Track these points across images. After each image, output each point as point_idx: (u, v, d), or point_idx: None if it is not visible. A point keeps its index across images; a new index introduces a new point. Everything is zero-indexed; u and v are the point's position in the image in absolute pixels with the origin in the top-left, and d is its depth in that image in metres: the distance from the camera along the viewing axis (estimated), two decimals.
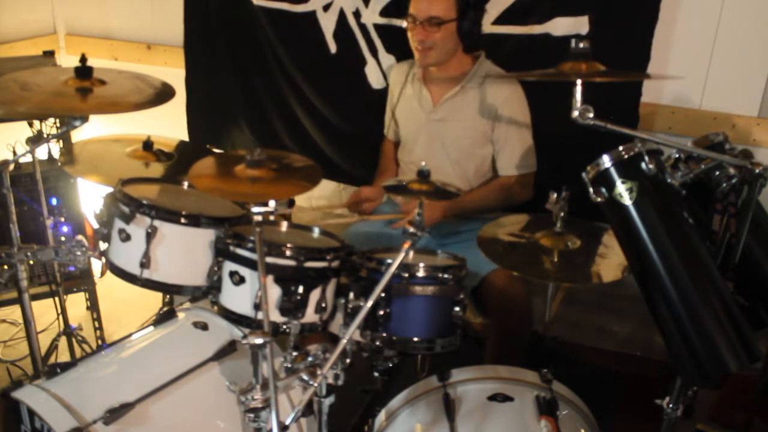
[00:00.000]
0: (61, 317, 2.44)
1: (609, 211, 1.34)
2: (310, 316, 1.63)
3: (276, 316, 1.59)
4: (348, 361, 1.41)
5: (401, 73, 2.47)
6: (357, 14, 2.73)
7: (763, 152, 2.40)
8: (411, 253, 1.46)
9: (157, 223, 1.63)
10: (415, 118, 2.39)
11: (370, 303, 1.40)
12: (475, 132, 2.30)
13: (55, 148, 2.61)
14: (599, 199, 1.34)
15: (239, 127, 3.13)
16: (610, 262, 1.82)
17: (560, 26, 2.43)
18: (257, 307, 1.60)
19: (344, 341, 1.36)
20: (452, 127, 2.31)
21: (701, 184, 1.36)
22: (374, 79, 2.78)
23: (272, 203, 1.44)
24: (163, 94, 1.80)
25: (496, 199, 2.32)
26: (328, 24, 2.79)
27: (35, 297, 2.15)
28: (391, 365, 1.76)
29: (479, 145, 2.32)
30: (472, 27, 2.21)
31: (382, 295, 1.59)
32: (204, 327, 1.76)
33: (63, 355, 2.50)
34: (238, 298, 1.63)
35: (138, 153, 2.15)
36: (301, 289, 1.59)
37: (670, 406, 1.49)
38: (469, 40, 2.24)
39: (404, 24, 2.23)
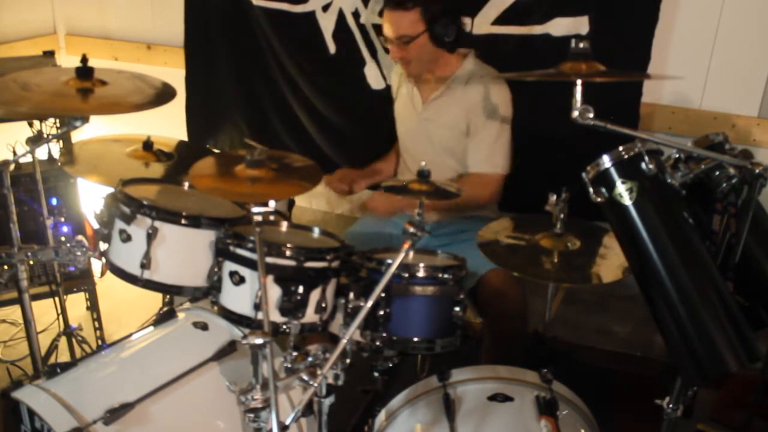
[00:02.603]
0: (61, 317, 2.44)
1: (609, 211, 1.34)
2: (310, 316, 1.63)
3: (276, 316, 1.59)
4: (348, 361, 1.41)
5: (398, 73, 2.49)
6: (356, 15, 2.74)
7: (763, 152, 2.40)
8: (411, 253, 1.46)
9: (157, 223, 1.63)
10: (408, 117, 2.42)
11: (370, 303, 1.40)
12: (458, 131, 2.30)
13: (55, 148, 2.61)
14: (599, 199, 1.34)
15: (239, 127, 3.13)
16: (610, 262, 1.82)
17: (560, 26, 2.43)
18: (257, 307, 1.60)
19: (344, 341, 1.36)
20: (438, 125, 2.32)
21: (701, 184, 1.36)
22: (373, 80, 2.79)
23: (272, 203, 1.44)
24: (164, 94, 1.80)
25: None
26: (327, 24, 2.80)
27: (35, 297, 2.15)
28: (391, 365, 1.76)
29: (462, 144, 2.32)
30: (446, 34, 2.19)
31: (382, 295, 1.59)
32: (204, 327, 1.76)
33: (63, 355, 2.50)
34: (238, 298, 1.63)
35: (138, 153, 2.15)
36: (301, 289, 1.59)
37: (670, 406, 1.49)
38: (449, 45, 2.22)
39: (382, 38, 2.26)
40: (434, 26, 2.17)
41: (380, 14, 2.68)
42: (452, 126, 2.30)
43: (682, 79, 2.44)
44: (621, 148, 1.32)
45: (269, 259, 1.56)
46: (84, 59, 1.76)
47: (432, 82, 2.32)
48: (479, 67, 2.31)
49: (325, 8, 2.78)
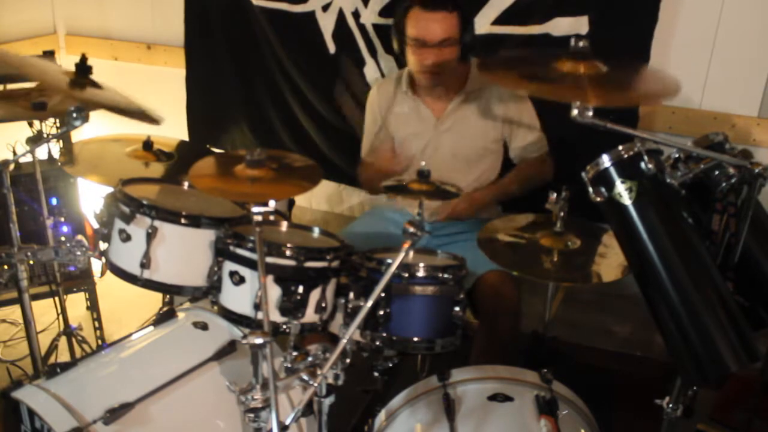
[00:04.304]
0: (61, 317, 2.44)
1: (608, 211, 1.34)
2: (310, 316, 1.63)
3: (276, 316, 1.59)
4: (348, 361, 1.41)
5: (386, 92, 2.39)
6: (356, 14, 2.74)
7: (763, 152, 2.40)
8: (411, 253, 1.46)
9: (157, 223, 1.63)
10: (418, 133, 2.34)
11: (370, 303, 1.40)
12: (486, 134, 2.31)
13: (55, 148, 2.61)
14: (599, 199, 1.34)
15: (239, 127, 3.14)
16: (610, 262, 1.82)
17: (560, 26, 2.44)
18: (257, 307, 1.60)
19: (344, 341, 1.36)
20: (462, 134, 2.30)
21: (701, 184, 1.36)
22: (373, 80, 2.79)
23: (272, 203, 1.44)
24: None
25: (530, 175, 2.30)
26: (327, 24, 2.80)
27: (35, 297, 2.15)
28: (391, 365, 1.76)
29: (490, 146, 2.33)
30: (469, 44, 2.18)
31: (382, 295, 1.59)
32: (204, 327, 1.76)
33: (63, 355, 2.50)
34: (238, 298, 1.63)
35: (138, 153, 2.16)
36: (301, 289, 1.59)
37: (670, 406, 1.49)
38: (468, 52, 2.22)
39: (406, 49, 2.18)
40: (466, 32, 2.15)
41: (380, 14, 2.69)
42: (480, 130, 2.29)
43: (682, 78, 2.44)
44: (620, 148, 1.31)
45: (269, 259, 1.56)
46: (83, 59, 1.77)
47: (442, 92, 2.29)
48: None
49: (325, 8, 2.78)
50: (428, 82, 2.22)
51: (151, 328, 1.80)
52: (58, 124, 2.52)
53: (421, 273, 1.63)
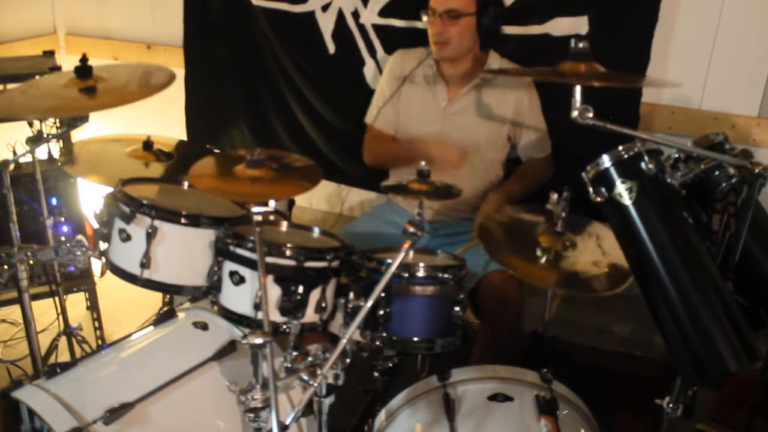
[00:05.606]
0: (61, 317, 2.44)
1: (609, 211, 1.34)
2: (310, 316, 1.63)
3: (276, 316, 1.59)
4: (348, 361, 1.41)
5: (409, 61, 2.39)
6: (356, 14, 2.74)
7: (763, 152, 2.40)
8: (411, 253, 1.46)
9: (157, 223, 1.63)
10: (428, 111, 2.36)
11: (370, 303, 1.40)
12: (492, 125, 2.31)
13: (55, 148, 2.61)
14: (599, 199, 1.34)
15: (239, 127, 3.13)
16: (606, 271, 1.81)
17: (560, 26, 2.44)
18: (257, 307, 1.60)
19: (344, 341, 1.36)
20: (469, 120, 2.31)
21: (701, 184, 1.36)
22: (373, 80, 2.79)
23: (272, 203, 1.44)
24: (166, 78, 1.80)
25: (534, 178, 2.36)
26: (326, 24, 2.80)
27: (35, 297, 2.15)
28: (391, 365, 1.76)
29: (495, 139, 2.34)
30: (491, 24, 2.21)
31: (382, 295, 1.59)
32: (204, 327, 1.76)
33: (63, 355, 2.50)
34: (238, 298, 1.63)
35: (138, 153, 2.16)
36: (301, 289, 1.59)
37: (670, 406, 1.49)
38: (488, 38, 2.24)
39: (424, 18, 2.22)
40: (484, 12, 2.18)
41: (380, 14, 2.69)
42: (487, 121, 2.30)
43: (680, 86, 2.46)
44: (621, 148, 1.32)
45: (269, 259, 1.56)
46: (84, 59, 1.76)
47: (460, 76, 2.31)
48: (505, 63, 2.33)
49: (325, 8, 2.78)
50: (436, 53, 2.25)
51: (151, 328, 1.80)
52: (58, 124, 2.52)
53: (421, 273, 1.63)
